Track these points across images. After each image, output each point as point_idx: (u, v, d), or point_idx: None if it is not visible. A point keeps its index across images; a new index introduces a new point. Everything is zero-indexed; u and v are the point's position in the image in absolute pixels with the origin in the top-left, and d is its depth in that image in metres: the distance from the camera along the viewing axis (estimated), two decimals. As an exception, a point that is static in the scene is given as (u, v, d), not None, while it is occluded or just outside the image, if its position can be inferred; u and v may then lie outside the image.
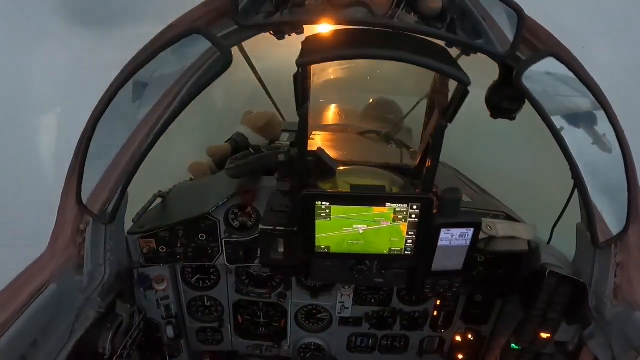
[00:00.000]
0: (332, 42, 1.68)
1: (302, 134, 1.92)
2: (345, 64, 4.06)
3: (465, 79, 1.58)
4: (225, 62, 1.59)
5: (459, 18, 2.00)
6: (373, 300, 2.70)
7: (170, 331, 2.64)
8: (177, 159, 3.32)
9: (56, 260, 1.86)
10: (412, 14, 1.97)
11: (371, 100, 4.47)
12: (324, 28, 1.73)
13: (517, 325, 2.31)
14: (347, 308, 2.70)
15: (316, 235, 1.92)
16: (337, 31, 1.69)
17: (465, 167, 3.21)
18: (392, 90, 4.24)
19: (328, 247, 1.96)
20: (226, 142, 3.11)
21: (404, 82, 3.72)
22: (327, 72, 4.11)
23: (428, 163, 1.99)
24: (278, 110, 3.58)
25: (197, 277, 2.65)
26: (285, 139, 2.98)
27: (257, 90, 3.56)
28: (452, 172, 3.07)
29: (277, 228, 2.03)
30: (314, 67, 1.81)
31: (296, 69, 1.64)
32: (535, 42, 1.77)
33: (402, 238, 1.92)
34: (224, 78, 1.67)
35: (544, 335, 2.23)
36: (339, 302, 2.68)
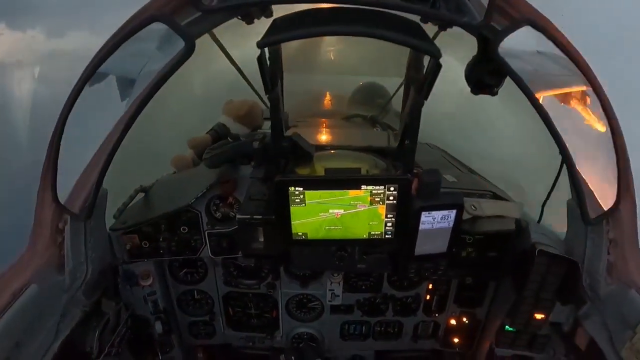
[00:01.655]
0: (297, 21, 1.62)
1: (275, 118, 1.87)
2: (332, 46, 3.98)
3: (435, 51, 1.52)
4: (187, 49, 1.54)
5: None
6: (364, 287, 2.65)
7: (159, 326, 2.61)
8: (162, 152, 3.28)
9: (36, 260, 1.85)
10: None
11: (361, 84, 4.39)
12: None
13: (510, 307, 2.25)
14: (338, 296, 2.66)
15: (292, 222, 1.87)
16: (304, 11, 1.63)
17: (453, 148, 3.14)
18: (381, 72, 4.16)
19: (305, 234, 1.91)
20: (207, 133, 3.06)
21: (393, 64, 3.64)
22: (317, 55, 4.03)
23: (407, 143, 1.93)
24: (260, 98, 3.52)
25: (184, 270, 2.62)
26: (268, 127, 2.92)
27: (239, 79, 3.50)
28: (439, 153, 3.01)
29: (255, 217, 1.99)
30: (297, 50, 1.76)
31: None
32: (513, 12, 1.69)
33: (381, 221, 1.87)
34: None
35: (538, 316, 2.18)
36: (329, 290, 2.65)
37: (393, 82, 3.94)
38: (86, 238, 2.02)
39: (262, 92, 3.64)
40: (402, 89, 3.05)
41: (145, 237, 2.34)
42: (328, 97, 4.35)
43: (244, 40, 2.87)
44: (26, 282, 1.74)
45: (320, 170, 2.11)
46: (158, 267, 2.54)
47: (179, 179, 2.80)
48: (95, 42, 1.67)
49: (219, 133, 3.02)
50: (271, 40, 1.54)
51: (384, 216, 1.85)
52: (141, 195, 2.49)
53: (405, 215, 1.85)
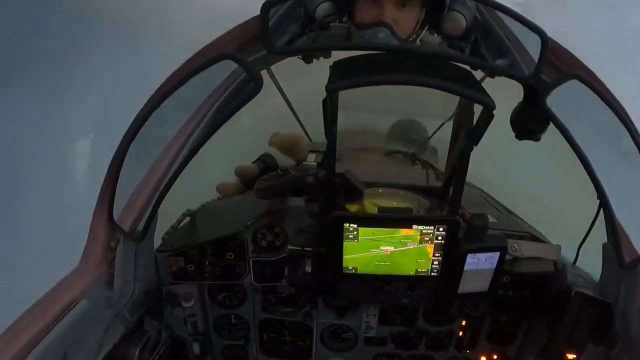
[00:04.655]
0: (360, 67, 1.72)
1: (330, 157, 1.97)
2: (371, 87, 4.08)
3: (490, 103, 1.61)
4: (256, 88, 1.63)
5: (483, 37, 2.05)
6: (398, 320, 2.68)
7: (196, 348, 2.66)
8: (206, 178, 3.37)
9: (87, 277, 1.92)
10: (436, 34, 2.03)
11: (396, 121, 4.49)
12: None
13: (543, 346, 2.29)
14: (373, 328, 2.69)
15: (344, 256, 1.95)
16: (365, 56, 1.73)
17: (490, 186, 3.20)
18: (417, 112, 4.25)
19: (355, 268, 1.99)
20: (254, 162, 3.16)
21: (428, 104, 3.74)
22: (352, 93, 4.13)
23: (454, 185, 2.02)
24: (305, 130, 3.62)
25: (223, 294, 2.67)
26: (312, 159, 3.02)
27: (285, 111, 3.60)
28: (477, 191, 3.07)
29: (306, 248, 2.07)
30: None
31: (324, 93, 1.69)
32: (559, 64, 1.80)
33: (428, 260, 1.95)
34: (253, 100, 1.71)
35: (570, 356, 2.21)
36: (364, 322, 2.68)
37: (429, 120, 4.05)
38: (136, 258, 2.10)
39: (307, 126, 3.78)
40: (440, 130, 3.14)
41: (191, 260, 2.41)
42: (366, 132, 4.41)
43: (294, 75, 2.99)
44: (77, 296, 1.81)
45: (369, 207, 2.20)
46: (200, 289, 2.61)
47: (225, 205, 2.89)
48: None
49: (266, 163, 3.12)
50: (340, 86, 1.65)
51: (431, 255, 1.94)
52: (188, 219, 2.59)
53: (451, 255, 1.93)
